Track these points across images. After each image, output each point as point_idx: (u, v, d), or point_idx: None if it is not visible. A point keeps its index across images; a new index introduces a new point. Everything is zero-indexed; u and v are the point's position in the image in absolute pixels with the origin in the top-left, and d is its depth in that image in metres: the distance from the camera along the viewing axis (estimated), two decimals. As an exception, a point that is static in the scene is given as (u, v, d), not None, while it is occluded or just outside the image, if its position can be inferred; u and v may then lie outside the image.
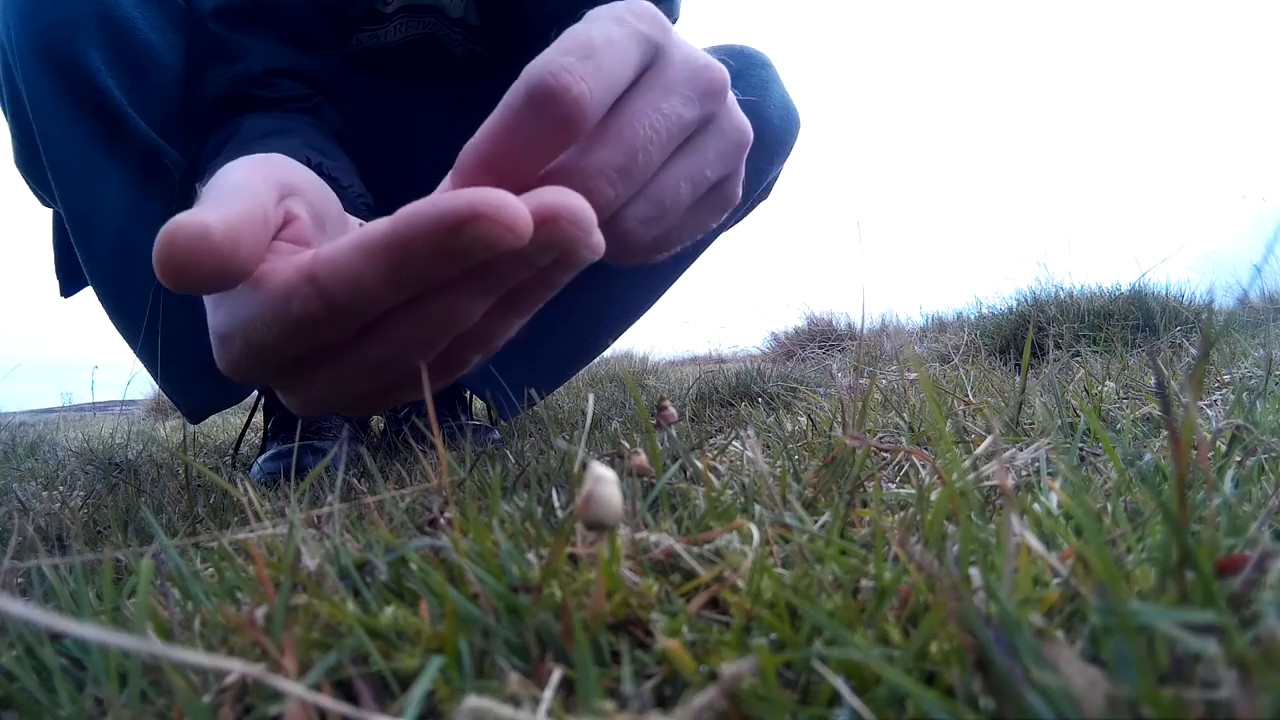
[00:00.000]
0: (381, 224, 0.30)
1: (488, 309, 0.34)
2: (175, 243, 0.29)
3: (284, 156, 0.43)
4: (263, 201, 0.34)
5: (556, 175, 0.33)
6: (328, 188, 0.43)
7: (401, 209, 0.29)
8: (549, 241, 0.30)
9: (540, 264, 0.32)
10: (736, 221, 0.88)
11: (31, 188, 0.72)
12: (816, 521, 0.29)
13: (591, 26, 0.33)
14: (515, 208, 0.28)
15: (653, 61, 0.35)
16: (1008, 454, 0.36)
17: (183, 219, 0.29)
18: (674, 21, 0.76)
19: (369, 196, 0.62)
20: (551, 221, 0.30)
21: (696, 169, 0.37)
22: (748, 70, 0.90)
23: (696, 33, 0.77)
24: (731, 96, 0.38)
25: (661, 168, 0.36)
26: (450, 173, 0.33)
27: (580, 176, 0.33)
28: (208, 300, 0.36)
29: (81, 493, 0.71)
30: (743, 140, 0.38)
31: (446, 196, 0.29)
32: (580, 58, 0.31)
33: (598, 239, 0.32)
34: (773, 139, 0.89)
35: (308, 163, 0.54)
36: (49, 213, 0.75)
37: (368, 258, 0.30)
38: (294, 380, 0.37)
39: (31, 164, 0.67)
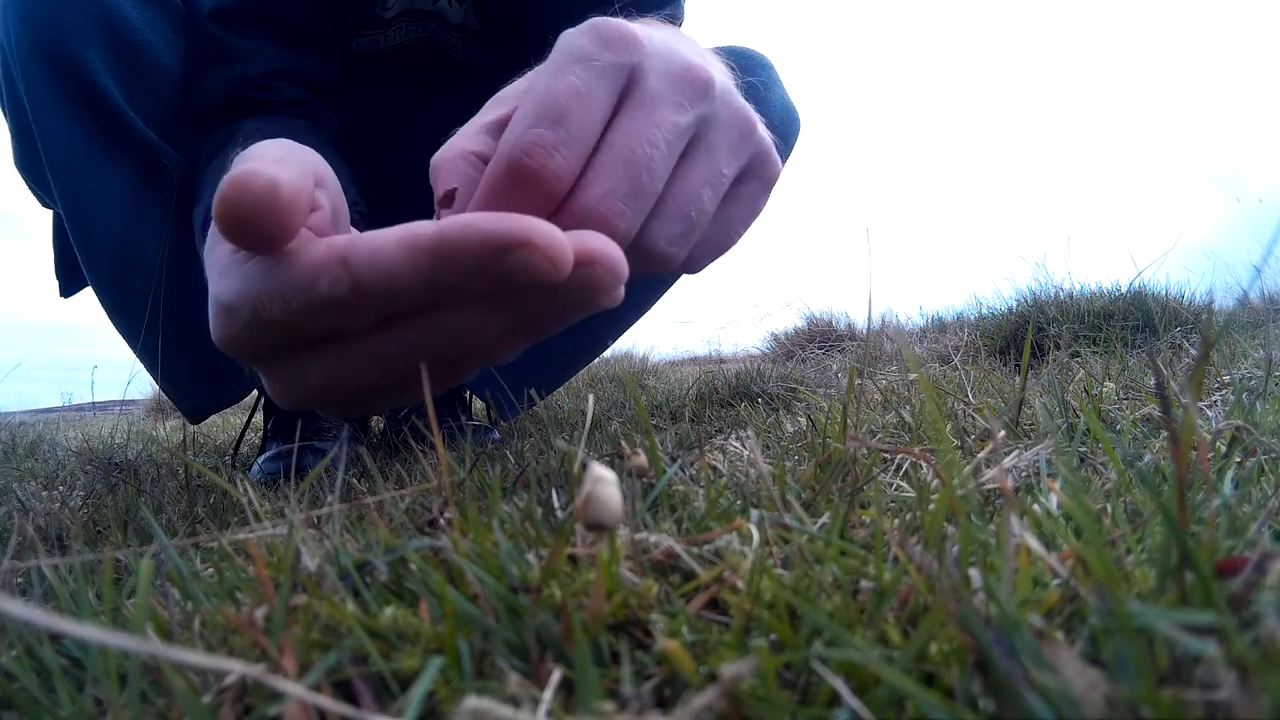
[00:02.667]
0: (429, 226, 0.30)
1: (502, 333, 0.34)
2: (245, 194, 0.29)
3: (308, 147, 0.43)
4: (310, 175, 0.34)
5: (564, 215, 0.34)
6: (341, 187, 0.43)
7: (451, 219, 0.30)
8: (582, 283, 0.31)
9: (565, 301, 0.32)
10: None
11: (31, 188, 0.72)
12: (816, 522, 0.29)
13: (557, 79, 0.34)
14: (563, 243, 0.29)
15: (630, 83, 0.35)
16: (1010, 459, 0.36)
17: (254, 168, 0.29)
18: (679, 24, 0.76)
19: (362, 204, 0.62)
20: (588, 265, 0.30)
21: (711, 171, 0.37)
22: (748, 72, 0.90)
23: (697, 33, 0.77)
24: (724, 86, 0.37)
25: (674, 180, 0.36)
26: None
27: (589, 212, 0.33)
28: (214, 267, 0.35)
29: (81, 493, 0.71)
30: (747, 126, 0.38)
31: (501, 217, 0.29)
32: (551, 125, 0.33)
33: (620, 292, 0.32)
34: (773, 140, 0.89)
35: None
36: (49, 213, 0.75)
37: (410, 255, 0.30)
38: (293, 365, 0.36)
39: (31, 164, 0.67)
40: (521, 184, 0.32)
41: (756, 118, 0.39)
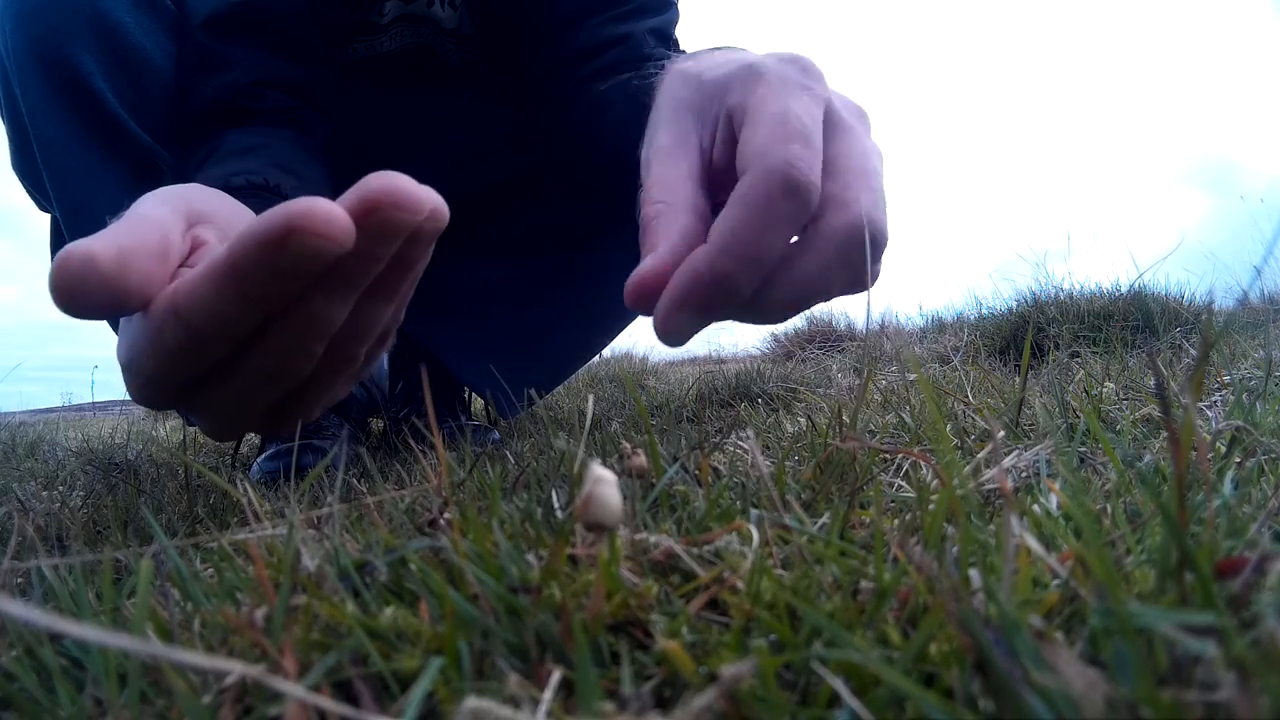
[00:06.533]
0: (222, 249, 0.30)
1: (356, 304, 0.34)
2: (64, 269, 0.30)
3: (200, 186, 0.43)
4: (163, 230, 0.34)
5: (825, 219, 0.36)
6: (248, 213, 0.43)
7: (239, 230, 0.30)
8: (379, 231, 0.30)
9: (385, 253, 0.32)
10: None
11: (29, 191, 0.72)
12: (816, 523, 0.29)
13: (793, 103, 0.37)
14: (329, 213, 0.28)
15: (827, 110, 0.39)
16: (1009, 459, 0.36)
17: (73, 247, 0.30)
18: (675, 25, 0.76)
19: None
20: (374, 212, 0.30)
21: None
22: None
23: (697, 34, 0.78)
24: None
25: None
26: (703, 254, 0.35)
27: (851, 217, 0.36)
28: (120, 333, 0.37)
29: (81, 493, 0.71)
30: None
31: (268, 214, 0.29)
32: (803, 143, 0.35)
33: (433, 203, 0.31)
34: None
35: (265, 185, 0.54)
36: (48, 214, 0.75)
37: (214, 284, 0.30)
38: (195, 404, 0.37)
39: (28, 168, 0.67)
40: (790, 195, 0.34)
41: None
